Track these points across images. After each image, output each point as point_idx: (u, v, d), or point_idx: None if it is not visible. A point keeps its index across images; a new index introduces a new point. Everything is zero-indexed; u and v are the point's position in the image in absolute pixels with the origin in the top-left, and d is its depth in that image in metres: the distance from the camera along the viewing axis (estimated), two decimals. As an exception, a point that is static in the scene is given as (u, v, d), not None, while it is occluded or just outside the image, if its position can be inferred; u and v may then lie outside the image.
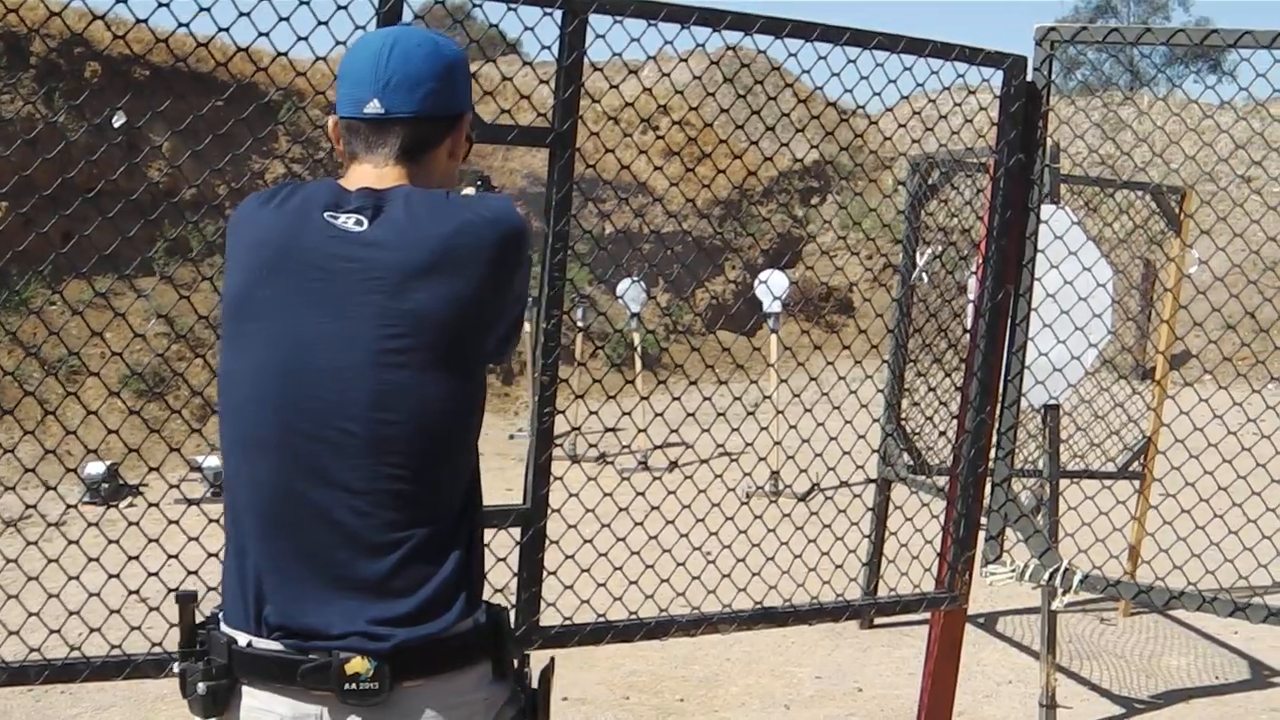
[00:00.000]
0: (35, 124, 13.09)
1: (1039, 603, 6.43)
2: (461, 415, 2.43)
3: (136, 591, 3.90)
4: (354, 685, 2.31)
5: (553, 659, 2.66)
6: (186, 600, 2.48)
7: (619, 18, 4.16)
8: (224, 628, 2.43)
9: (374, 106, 2.50)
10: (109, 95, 13.51)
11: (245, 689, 2.40)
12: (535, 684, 2.58)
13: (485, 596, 2.54)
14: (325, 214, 2.42)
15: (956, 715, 5.39)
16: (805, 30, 4.44)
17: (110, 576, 3.83)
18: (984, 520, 5.03)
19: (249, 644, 2.39)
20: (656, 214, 18.57)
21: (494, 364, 2.63)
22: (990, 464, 4.95)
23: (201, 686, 2.41)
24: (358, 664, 2.31)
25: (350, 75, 2.54)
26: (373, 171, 2.51)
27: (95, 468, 10.17)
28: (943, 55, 4.67)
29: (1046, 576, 4.94)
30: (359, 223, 2.40)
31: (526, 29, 4.10)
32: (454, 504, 2.44)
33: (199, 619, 2.48)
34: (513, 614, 4.18)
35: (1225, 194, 6.35)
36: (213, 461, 9.97)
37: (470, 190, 3.23)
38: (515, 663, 2.54)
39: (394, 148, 2.51)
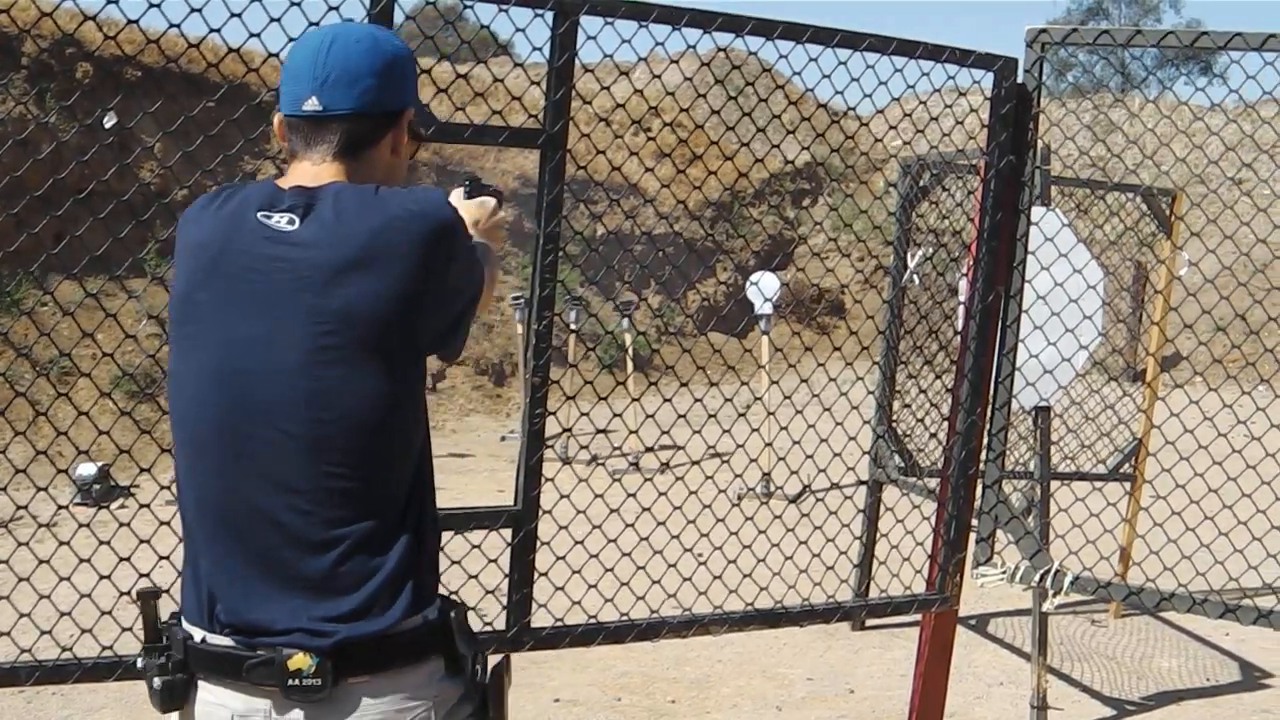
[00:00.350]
0: (27, 124, 13.10)
1: (1030, 604, 6.44)
2: (399, 410, 2.43)
3: (128, 592, 3.88)
4: (297, 681, 2.33)
5: (508, 656, 2.64)
6: (148, 596, 2.52)
7: (610, 19, 4.16)
8: (184, 624, 2.46)
9: (312, 104, 2.50)
10: (100, 96, 13.53)
11: (201, 684, 2.43)
12: (490, 681, 2.55)
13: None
14: (259, 214, 2.43)
15: (948, 717, 5.39)
16: (796, 32, 4.45)
17: (101, 578, 3.83)
18: (975, 522, 5.03)
19: (203, 640, 2.43)
20: (648, 216, 18.58)
21: (443, 358, 2.63)
22: (981, 466, 4.96)
23: (157, 681, 2.45)
24: (300, 660, 2.33)
25: (290, 72, 2.55)
26: (310, 169, 2.51)
27: (87, 469, 10.16)
28: (934, 57, 4.67)
29: (1037, 578, 4.94)
30: (291, 222, 2.40)
31: (518, 30, 4.11)
32: (397, 499, 2.43)
33: (165, 615, 2.52)
34: (504, 615, 4.20)
35: (1216, 196, 6.36)
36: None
37: (459, 192, 3.23)
38: (470, 660, 2.51)
39: (332, 145, 2.51)
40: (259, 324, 2.38)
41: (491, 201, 3.19)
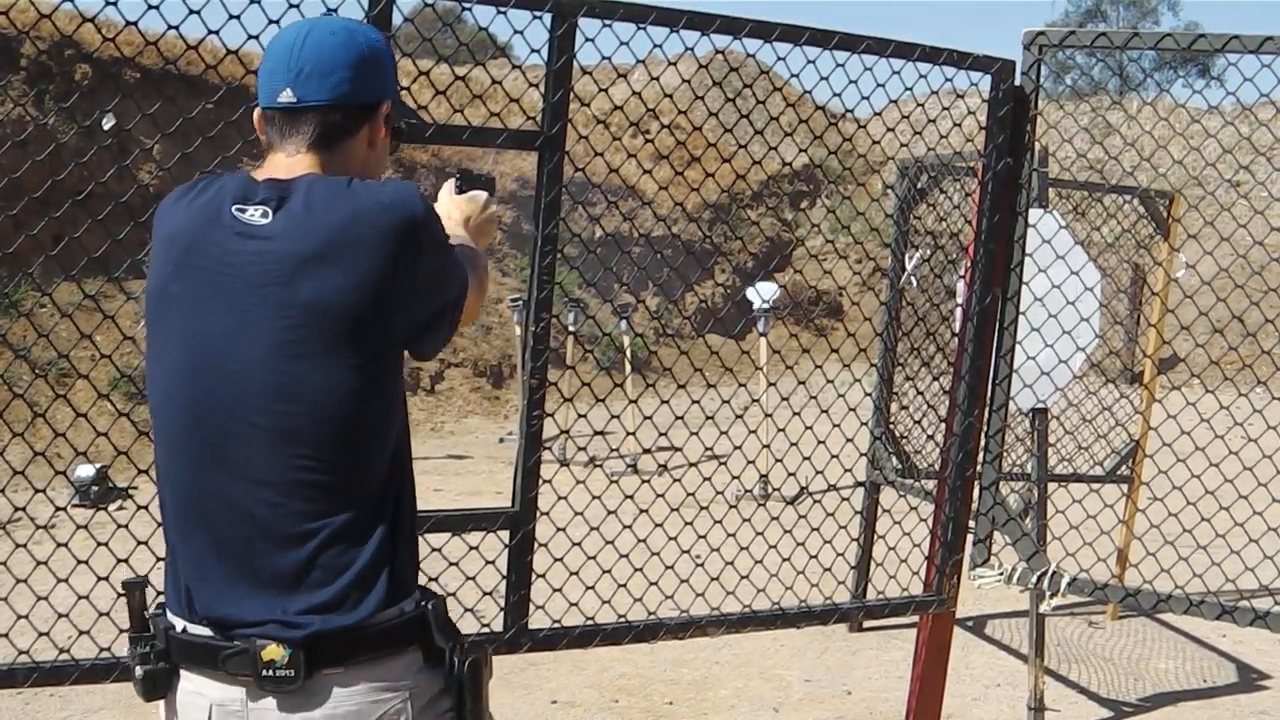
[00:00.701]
0: (25, 126, 13.10)
1: (1027, 606, 6.45)
2: (370, 403, 2.43)
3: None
4: (270, 672, 2.34)
5: (486, 648, 2.61)
6: (133, 588, 2.54)
7: (608, 21, 4.16)
8: (167, 614, 2.49)
9: (286, 96, 2.51)
10: (99, 98, 13.53)
11: (183, 673, 2.45)
12: (466, 672, 2.50)
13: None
14: (233, 207, 2.44)
15: (945, 718, 5.40)
16: (794, 34, 4.45)
17: (99, 579, 3.83)
18: (972, 524, 5.04)
19: (183, 630, 2.45)
20: (646, 218, 18.59)
21: (416, 357, 2.60)
22: (978, 468, 4.96)
23: (139, 670, 2.47)
24: (273, 651, 2.34)
25: (267, 65, 2.56)
26: (285, 161, 2.52)
27: (85, 470, 10.15)
28: (931, 59, 4.68)
29: (1034, 580, 4.95)
30: (264, 215, 2.41)
31: (516, 32, 4.11)
32: (370, 492, 2.43)
33: (153, 605, 2.54)
34: (501, 617, 4.20)
35: (1213, 198, 6.37)
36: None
37: (450, 185, 3.22)
38: (448, 652, 2.49)
39: (306, 137, 2.52)
40: (229, 318, 2.39)
41: (483, 195, 3.17)
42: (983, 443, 4.97)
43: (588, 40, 4.16)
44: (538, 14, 4.05)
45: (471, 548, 4.07)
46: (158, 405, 2.49)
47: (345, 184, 2.46)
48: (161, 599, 2.54)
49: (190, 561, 2.44)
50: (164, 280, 2.47)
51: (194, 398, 2.41)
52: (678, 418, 4.78)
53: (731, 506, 4.89)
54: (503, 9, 4.03)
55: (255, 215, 2.41)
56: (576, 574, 4.38)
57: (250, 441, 2.38)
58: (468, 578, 4.09)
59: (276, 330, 2.36)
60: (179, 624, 2.45)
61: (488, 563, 4.16)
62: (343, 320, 2.36)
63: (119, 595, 3.83)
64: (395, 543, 2.45)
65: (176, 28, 3.79)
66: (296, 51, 2.51)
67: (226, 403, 2.38)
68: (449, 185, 3.18)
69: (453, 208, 3.13)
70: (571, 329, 13.37)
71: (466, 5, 4.05)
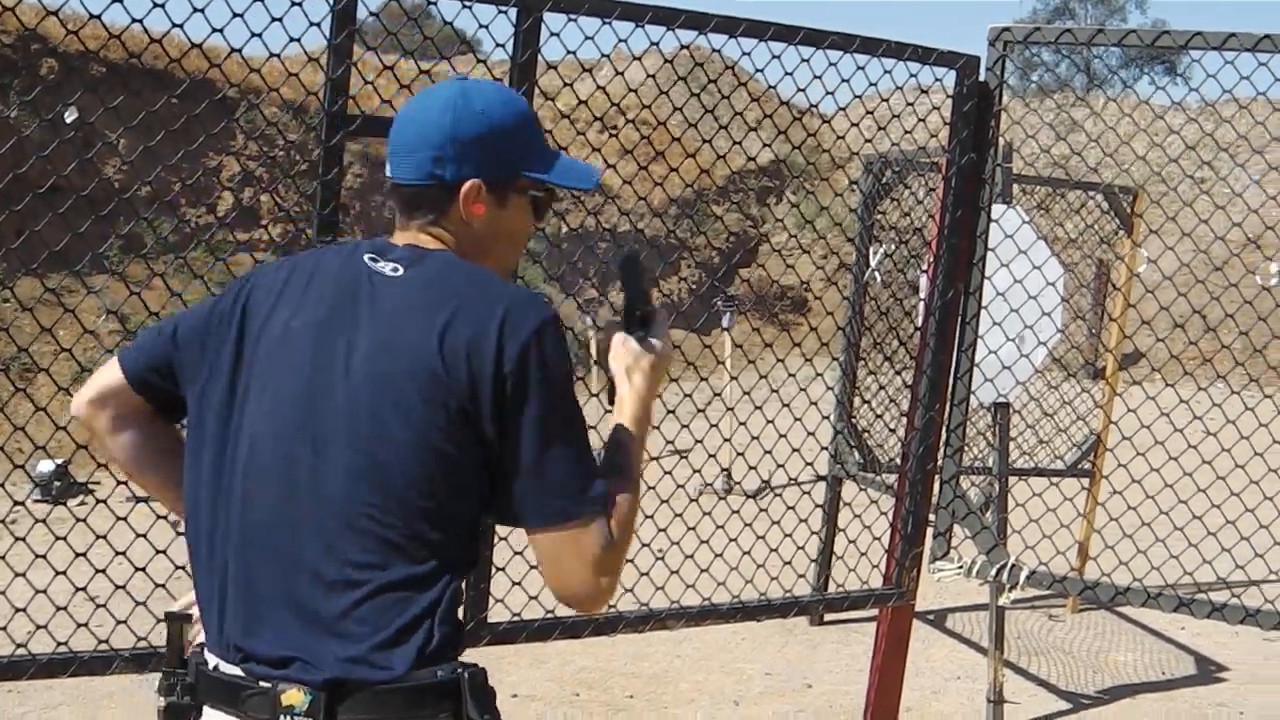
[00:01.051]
0: (-12, 119, 13.03)
1: (987, 599, 6.48)
2: (451, 469, 2.35)
3: (84, 588, 3.89)
4: (288, 718, 2.28)
5: None
6: (173, 620, 2.49)
7: (573, 16, 4.16)
8: (205, 651, 2.43)
9: (388, 169, 2.55)
10: (65, 92, 13.46)
11: (206, 710, 2.39)
12: None
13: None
14: (367, 256, 2.46)
15: (904, 711, 5.42)
16: (760, 29, 4.46)
17: (57, 573, 3.81)
18: (932, 517, 5.06)
19: (215, 667, 2.39)
20: (611, 213, 18.59)
21: (490, 510, 2.48)
22: (939, 461, 4.98)
23: (161, 701, 2.42)
24: (293, 695, 2.28)
25: None
26: (404, 232, 2.54)
27: (45, 465, 10.11)
28: (896, 55, 4.70)
29: (994, 573, 4.97)
30: (394, 270, 2.43)
31: (481, 27, 4.12)
32: (431, 557, 2.36)
33: (194, 638, 2.50)
34: (460, 610, 4.19)
35: (1176, 194, 6.40)
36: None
37: (619, 334, 2.68)
38: None
39: (404, 209, 2.54)
40: (338, 355, 2.38)
41: (669, 351, 2.76)
42: (944, 437, 4.99)
43: (553, 35, 4.16)
44: (503, 8, 4.05)
45: (433, 541, 4.06)
46: (255, 435, 2.41)
47: (478, 269, 2.46)
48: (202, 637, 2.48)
49: (236, 597, 2.38)
50: (287, 316, 2.46)
51: (288, 432, 2.38)
52: (640, 412, 4.78)
53: (693, 500, 4.90)
54: (468, 3, 4.03)
55: (386, 268, 2.43)
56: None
57: (328, 481, 2.33)
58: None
59: (381, 376, 2.34)
60: (212, 661, 2.40)
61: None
62: (433, 382, 2.32)
63: (77, 589, 3.84)
64: (442, 608, 2.37)
65: (140, 21, 3.77)
66: (399, 126, 2.53)
67: (315, 439, 2.35)
68: (618, 335, 2.71)
69: (636, 368, 2.68)
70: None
71: (432, 0, 4.05)
